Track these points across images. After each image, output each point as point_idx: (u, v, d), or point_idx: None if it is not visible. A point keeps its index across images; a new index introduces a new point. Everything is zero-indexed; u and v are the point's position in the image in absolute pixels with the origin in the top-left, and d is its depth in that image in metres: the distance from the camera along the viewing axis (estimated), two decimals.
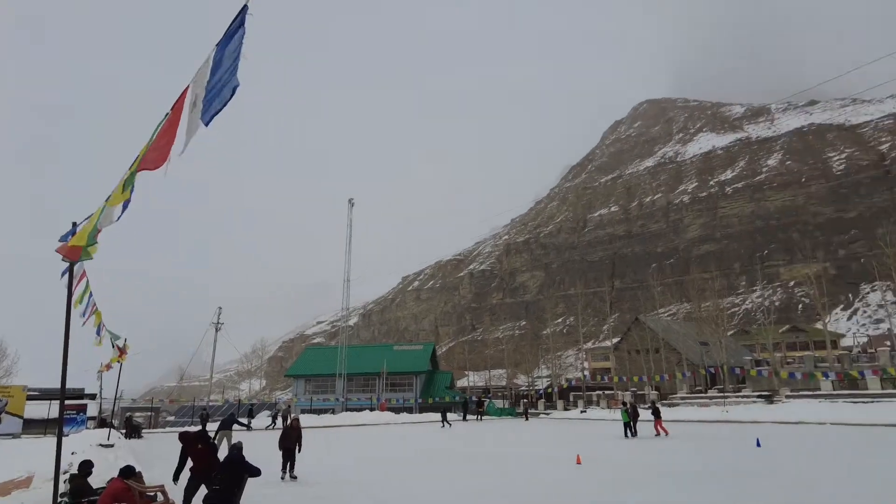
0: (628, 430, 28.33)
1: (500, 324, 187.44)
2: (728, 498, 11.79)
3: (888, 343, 56.70)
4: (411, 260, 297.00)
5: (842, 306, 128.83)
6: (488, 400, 68.45)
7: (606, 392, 64.58)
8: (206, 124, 6.41)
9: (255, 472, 9.51)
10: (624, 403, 33.40)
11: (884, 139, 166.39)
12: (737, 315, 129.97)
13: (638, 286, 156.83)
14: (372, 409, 60.85)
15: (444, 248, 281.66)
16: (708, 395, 50.93)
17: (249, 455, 9.67)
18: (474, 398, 66.11)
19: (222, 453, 11.65)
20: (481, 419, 56.06)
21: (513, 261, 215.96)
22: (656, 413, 30.01)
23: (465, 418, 55.63)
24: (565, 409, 63.41)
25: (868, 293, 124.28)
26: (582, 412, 57.52)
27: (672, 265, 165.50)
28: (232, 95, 6.05)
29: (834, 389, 40.70)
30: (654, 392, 57.99)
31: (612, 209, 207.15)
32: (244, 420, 44.03)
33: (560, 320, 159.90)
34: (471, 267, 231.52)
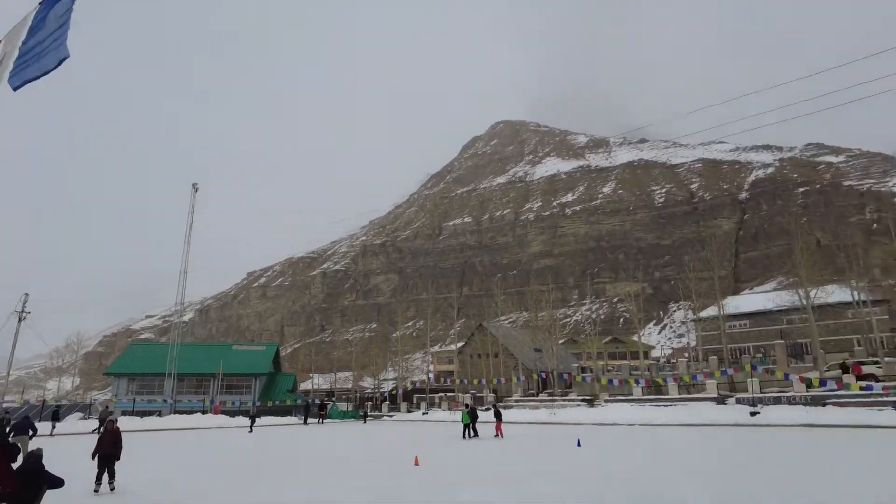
0: (468, 432, 29.49)
1: (351, 325, 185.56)
2: (553, 494, 12.79)
3: (686, 355, 65.63)
4: (260, 255, 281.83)
5: (654, 321, 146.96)
6: (331, 403, 67.26)
7: (448, 394, 66.82)
8: (15, 89, 5.60)
9: (57, 482, 8.44)
10: (466, 405, 34.74)
11: (694, 179, 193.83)
12: (568, 325, 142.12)
13: (484, 294, 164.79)
14: (204, 413, 56.75)
15: (297, 245, 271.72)
16: (539, 398, 54.94)
17: (57, 465, 8.49)
18: (317, 401, 64.65)
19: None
20: (323, 422, 55.09)
21: (368, 262, 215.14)
22: (498, 415, 31.58)
23: (305, 422, 54.24)
24: (408, 412, 64.43)
25: (675, 311, 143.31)
26: (424, 414, 58.87)
27: (515, 276, 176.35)
28: (56, 66, 5.36)
29: (643, 394, 46.19)
30: (491, 395, 61.17)
31: (466, 220, 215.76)
32: (51, 423, 38.83)
33: (410, 324, 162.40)
34: (324, 266, 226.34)
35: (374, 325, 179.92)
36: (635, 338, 76.94)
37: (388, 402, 70.41)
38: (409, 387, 73.49)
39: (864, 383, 35.04)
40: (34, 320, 54.82)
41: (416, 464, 18.05)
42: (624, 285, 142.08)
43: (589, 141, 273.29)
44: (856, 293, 52.32)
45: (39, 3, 5.50)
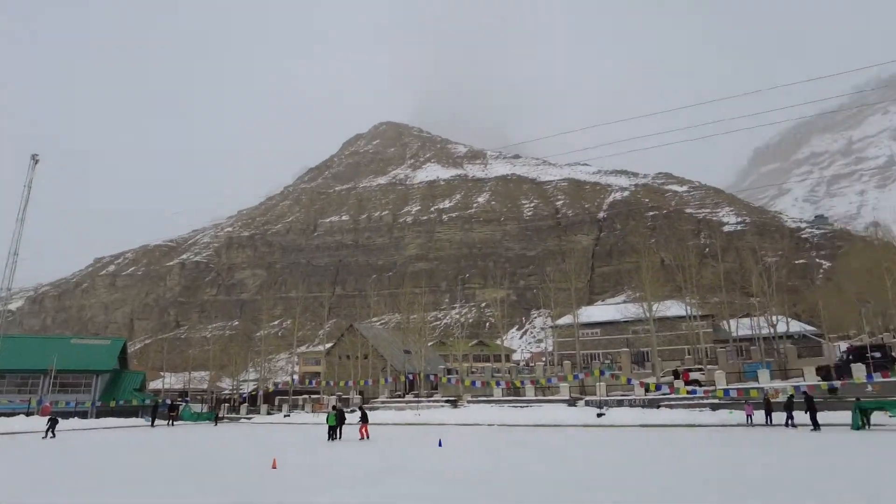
0: (333, 434, 28.95)
1: (210, 322, 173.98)
2: (411, 494, 12.97)
3: (544, 359, 69.91)
4: (110, 240, 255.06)
5: (517, 327, 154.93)
6: (184, 404, 62.58)
7: (313, 396, 65.13)
8: None
9: None
10: (334, 407, 34.08)
11: (560, 197, 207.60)
12: (438, 328, 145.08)
13: (357, 294, 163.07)
14: (29, 414, 50.12)
15: (154, 231, 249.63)
16: (405, 399, 55.45)
17: None
18: (168, 401, 59.83)
19: None
20: (173, 424, 51.08)
21: (233, 255, 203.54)
22: (364, 417, 31.15)
23: (153, 424, 49.92)
24: (269, 414, 61.81)
25: (536, 318, 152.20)
26: (286, 416, 56.85)
27: (390, 278, 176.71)
28: None
29: (503, 396, 48.45)
30: (357, 396, 60.66)
31: (343, 218, 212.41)
32: None
33: (277, 322, 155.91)
34: (184, 257, 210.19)
35: (237, 323, 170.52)
36: (499, 341, 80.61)
37: (247, 404, 66.97)
38: (272, 388, 70.50)
39: (690, 388, 39.68)
40: None
41: (274, 467, 17.38)
42: (492, 291, 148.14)
43: (468, 151, 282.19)
44: (688, 308, 59.17)
45: None
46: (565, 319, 71.00)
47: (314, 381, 71.44)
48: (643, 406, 39.20)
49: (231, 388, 72.54)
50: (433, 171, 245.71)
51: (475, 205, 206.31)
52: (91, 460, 22.47)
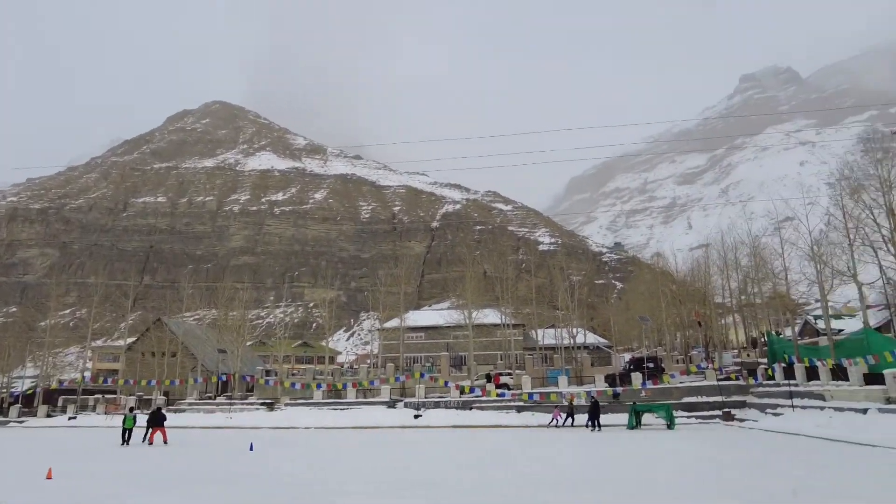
0: (128, 438, 26.19)
1: None
2: (212, 500, 12.41)
3: (368, 361, 70.40)
4: None
5: (345, 329, 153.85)
6: None
7: (107, 396, 58.02)
8: None
9: None
10: (131, 409, 30.77)
11: (398, 203, 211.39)
12: (260, 327, 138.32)
13: (169, 286, 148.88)
14: None
15: None
16: (216, 401, 51.97)
17: None
18: None
19: None
20: None
21: (17, 230, 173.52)
22: (155, 420, 28.40)
23: None
24: (49, 416, 53.68)
25: (364, 320, 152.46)
26: (71, 419, 49.98)
27: (210, 270, 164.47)
28: None
29: (323, 398, 47.84)
30: (162, 397, 55.46)
31: (160, 199, 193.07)
32: None
33: (68, 311, 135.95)
34: None
35: (15, 309, 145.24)
36: (324, 343, 79.39)
37: (20, 405, 57.27)
38: (55, 385, 61.09)
39: (499, 391, 42.99)
40: None
41: (49, 477, 15.31)
42: (322, 291, 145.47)
43: (308, 145, 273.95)
44: (503, 317, 64.00)
45: None
46: (392, 322, 72.32)
47: (110, 380, 63.71)
48: (457, 407, 41.52)
49: (1, 384, 61.42)
50: (268, 160, 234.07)
51: (311, 201, 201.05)
52: None
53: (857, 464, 15.74)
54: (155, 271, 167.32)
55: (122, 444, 25.78)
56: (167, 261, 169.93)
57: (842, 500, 10.76)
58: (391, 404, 43.62)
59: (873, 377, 28.02)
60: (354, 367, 78.80)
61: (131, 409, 29.60)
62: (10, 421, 52.58)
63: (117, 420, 37.63)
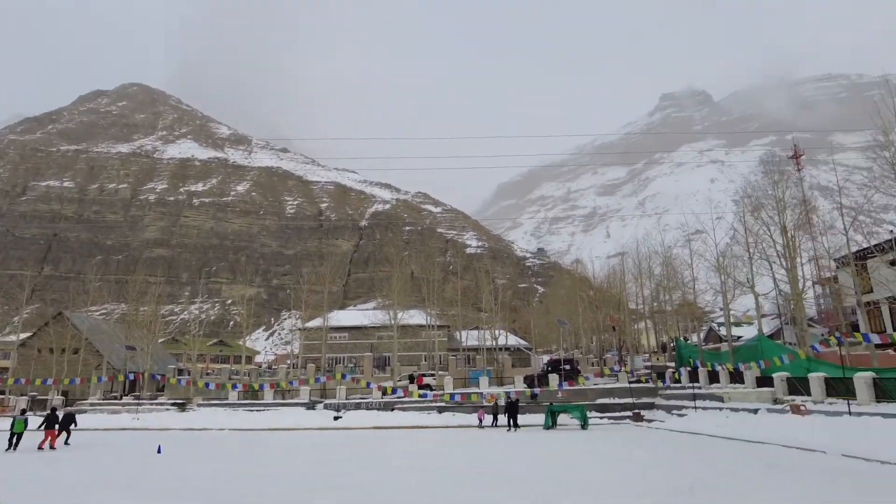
0: (17, 442, 24.08)
1: None
2: None
3: (288, 361, 68.59)
4: None
5: (264, 327, 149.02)
6: None
7: None
8: None
9: None
10: (23, 411, 28.30)
11: (325, 199, 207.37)
12: (173, 323, 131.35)
13: (74, 277, 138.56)
14: None
15: None
16: (122, 401, 48.90)
17: None
18: None
19: None
20: None
21: None
22: (51, 422, 26.27)
23: None
24: None
25: (286, 319, 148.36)
26: None
27: (120, 262, 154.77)
28: None
29: (239, 399, 46.13)
30: (60, 397, 51.47)
31: (66, 184, 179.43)
32: None
33: None
34: None
35: None
36: (241, 342, 76.54)
37: None
38: None
39: (422, 391, 43.10)
40: None
41: None
42: (241, 288, 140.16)
43: (231, 135, 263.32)
44: (429, 318, 64.31)
45: None
46: (315, 322, 70.86)
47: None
48: (379, 409, 41.24)
49: None
50: (188, 149, 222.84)
51: (233, 193, 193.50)
52: None
53: (747, 460, 17.04)
54: (58, 261, 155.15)
55: (8, 448, 23.67)
56: (72, 250, 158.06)
57: (728, 494, 11.67)
58: (310, 406, 42.73)
59: (765, 380, 30.51)
60: (273, 367, 76.56)
61: (23, 412, 27.28)
62: None
63: (4, 423, 34.41)
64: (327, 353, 61.42)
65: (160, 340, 73.50)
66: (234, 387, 47.45)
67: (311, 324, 69.99)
